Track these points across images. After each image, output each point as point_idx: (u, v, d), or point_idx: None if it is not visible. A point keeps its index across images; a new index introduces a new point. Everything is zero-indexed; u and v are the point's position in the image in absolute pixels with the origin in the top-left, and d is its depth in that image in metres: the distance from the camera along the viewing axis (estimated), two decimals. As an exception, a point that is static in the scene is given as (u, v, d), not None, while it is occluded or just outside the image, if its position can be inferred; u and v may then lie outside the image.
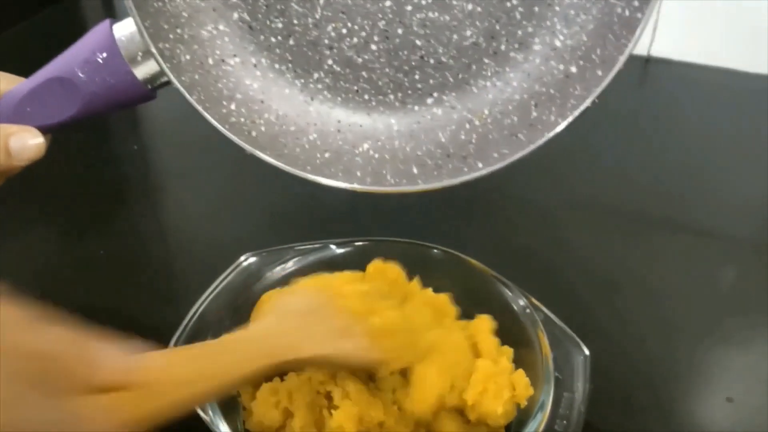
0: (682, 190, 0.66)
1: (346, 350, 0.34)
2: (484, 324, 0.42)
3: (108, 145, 0.73)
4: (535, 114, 0.40)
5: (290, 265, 0.45)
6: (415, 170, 0.41)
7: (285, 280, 0.44)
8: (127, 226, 0.62)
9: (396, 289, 0.43)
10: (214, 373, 0.30)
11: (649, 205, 0.64)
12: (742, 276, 0.56)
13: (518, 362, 0.41)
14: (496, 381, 0.38)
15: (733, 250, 0.59)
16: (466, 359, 0.39)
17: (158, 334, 0.39)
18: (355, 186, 0.40)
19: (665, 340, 0.50)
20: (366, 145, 0.42)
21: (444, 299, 0.43)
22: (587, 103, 0.37)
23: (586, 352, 0.40)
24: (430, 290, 0.44)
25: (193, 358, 0.30)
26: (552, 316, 0.43)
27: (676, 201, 0.64)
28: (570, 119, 0.38)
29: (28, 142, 0.36)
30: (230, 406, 0.38)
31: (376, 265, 0.44)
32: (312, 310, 0.35)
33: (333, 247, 0.47)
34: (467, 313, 0.44)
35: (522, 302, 0.43)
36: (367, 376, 0.38)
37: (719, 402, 0.46)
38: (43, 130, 0.37)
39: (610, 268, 0.57)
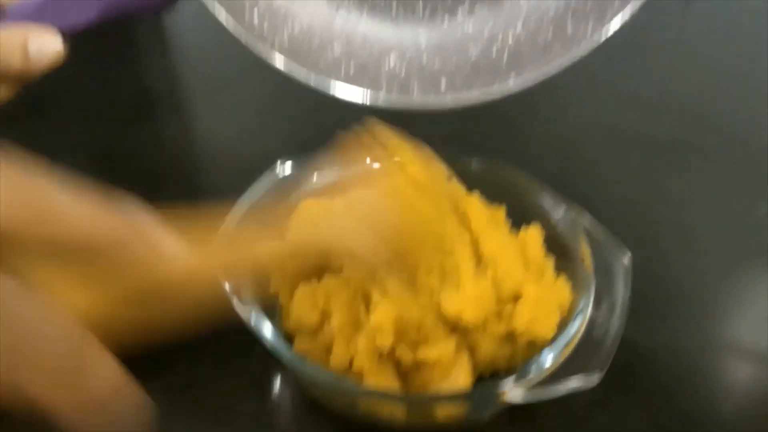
0: (724, 121, 0.63)
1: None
2: (533, 235, 0.41)
3: (132, 58, 0.72)
4: (570, 29, 0.38)
5: (329, 173, 0.44)
6: (443, 86, 0.40)
7: (323, 188, 0.43)
8: (153, 140, 0.61)
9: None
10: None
11: (688, 134, 0.62)
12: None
13: (558, 268, 0.41)
14: (546, 306, 0.37)
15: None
16: (518, 273, 0.38)
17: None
18: (381, 100, 0.38)
19: (702, 264, 0.49)
20: (393, 60, 0.41)
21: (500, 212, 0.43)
22: (625, 17, 0.36)
23: (629, 257, 0.39)
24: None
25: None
26: (593, 220, 0.41)
27: (717, 131, 0.62)
28: (607, 34, 0.37)
29: (47, 45, 0.34)
30: (269, 306, 0.38)
31: None
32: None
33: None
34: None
35: (562, 207, 0.42)
36: (407, 277, 0.38)
37: (756, 321, 0.46)
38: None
39: (646, 197, 0.55)
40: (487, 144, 0.58)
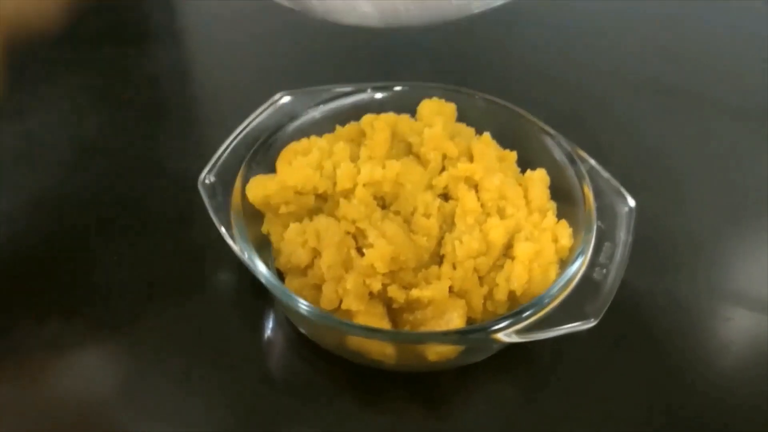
0: (736, 73, 0.62)
1: None
2: (537, 178, 0.40)
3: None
4: None
5: (327, 106, 0.43)
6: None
7: (321, 122, 0.42)
8: (154, 68, 0.60)
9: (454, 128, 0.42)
10: None
11: (698, 84, 0.60)
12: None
13: (562, 211, 0.40)
14: (544, 262, 0.36)
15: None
16: (518, 218, 0.38)
17: (187, 176, 0.39)
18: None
19: (708, 213, 0.49)
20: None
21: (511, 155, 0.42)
22: None
23: (631, 203, 0.38)
24: (488, 134, 0.42)
25: None
26: (597, 167, 0.40)
27: (729, 83, 0.61)
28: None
29: None
30: (262, 245, 0.38)
31: (429, 104, 0.42)
32: None
33: (371, 91, 0.44)
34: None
35: (566, 152, 0.41)
36: (403, 219, 0.38)
37: (759, 271, 0.45)
38: None
39: (654, 143, 0.54)
40: (495, 85, 0.57)
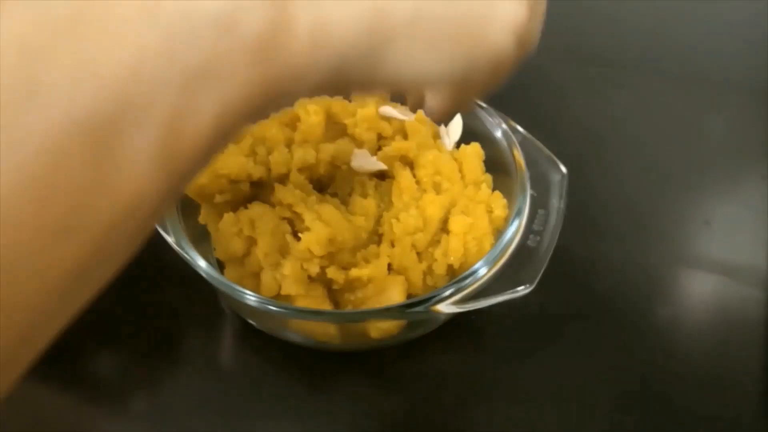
0: (674, 36, 0.63)
1: None
2: (471, 152, 0.41)
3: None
4: None
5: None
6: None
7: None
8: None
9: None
10: None
11: (632, 50, 0.61)
12: (732, 121, 0.54)
13: (497, 182, 0.41)
14: (475, 236, 0.37)
15: (724, 96, 0.56)
16: (453, 192, 0.39)
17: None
18: None
19: (643, 180, 0.50)
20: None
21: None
22: None
23: (563, 170, 0.39)
24: (421, 111, 0.42)
25: None
26: (529, 136, 0.41)
27: (662, 47, 0.61)
28: None
29: None
30: (204, 236, 0.38)
31: None
32: None
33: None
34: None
35: (497, 122, 0.41)
36: (340, 200, 0.38)
37: (693, 234, 0.46)
38: None
39: (590, 112, 0.55)
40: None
